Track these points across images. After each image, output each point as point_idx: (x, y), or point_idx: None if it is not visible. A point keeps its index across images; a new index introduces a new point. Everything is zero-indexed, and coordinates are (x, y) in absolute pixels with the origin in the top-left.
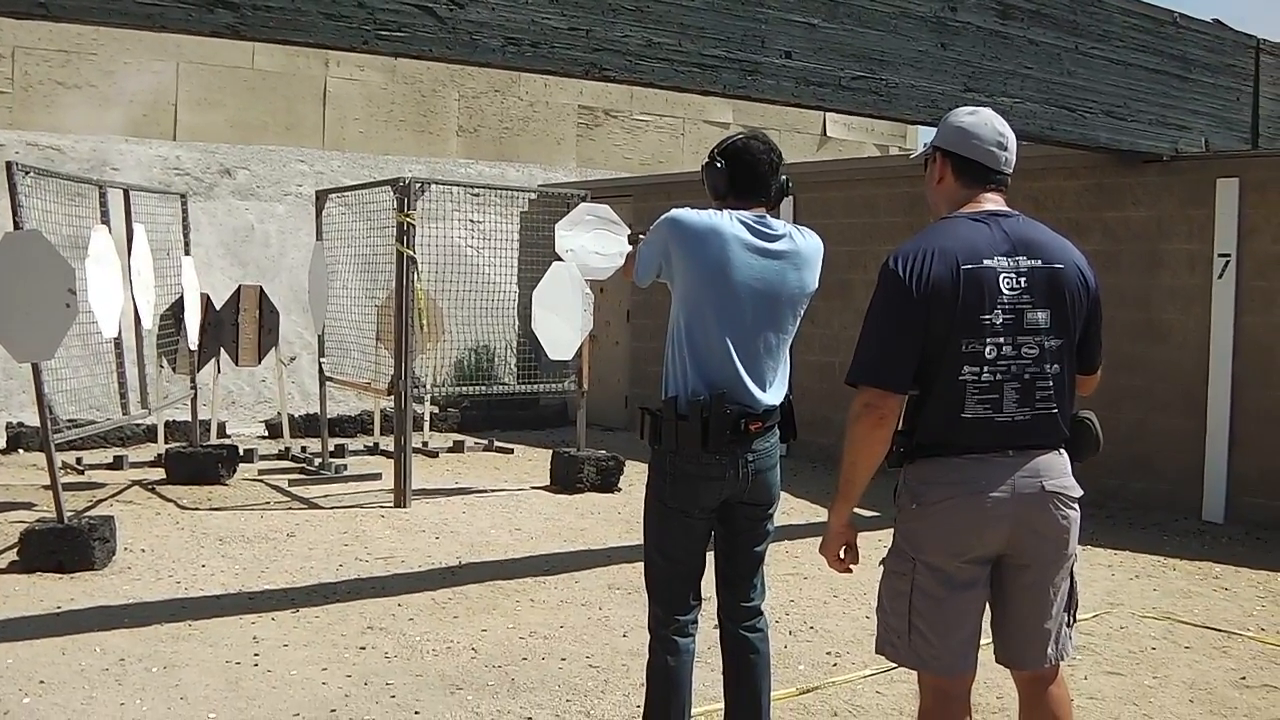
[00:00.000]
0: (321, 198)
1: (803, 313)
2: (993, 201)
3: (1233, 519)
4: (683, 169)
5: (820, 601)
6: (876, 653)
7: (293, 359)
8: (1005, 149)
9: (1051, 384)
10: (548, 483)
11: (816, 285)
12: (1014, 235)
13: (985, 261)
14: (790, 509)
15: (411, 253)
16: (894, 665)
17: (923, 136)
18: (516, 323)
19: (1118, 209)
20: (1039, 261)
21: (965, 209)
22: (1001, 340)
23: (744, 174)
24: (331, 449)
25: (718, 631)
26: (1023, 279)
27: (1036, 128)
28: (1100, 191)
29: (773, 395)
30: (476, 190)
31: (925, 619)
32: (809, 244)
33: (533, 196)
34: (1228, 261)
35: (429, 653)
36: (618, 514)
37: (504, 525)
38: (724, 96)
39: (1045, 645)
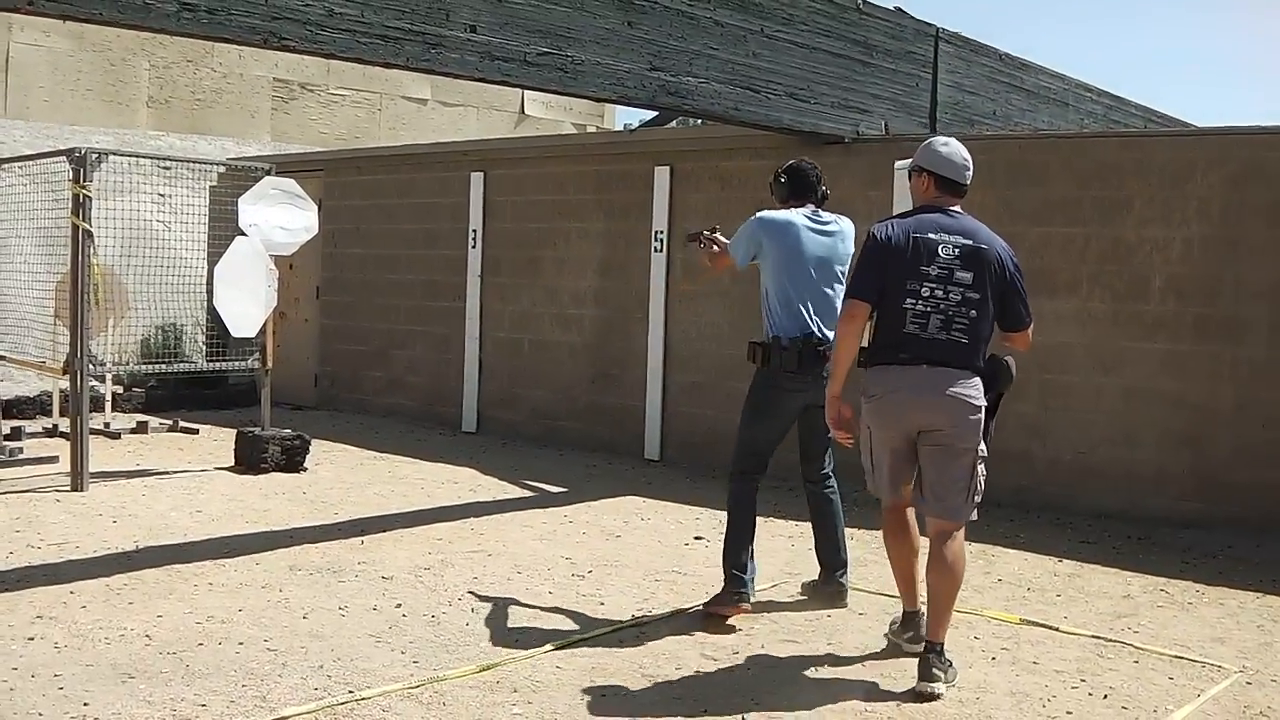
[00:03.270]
0: None
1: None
2: (954, 205)
3: None
4: (379, 143)
5: (504, 579)
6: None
7: None
8: (969, 170)
9: (966, 322)
10: (232, 463)
11: (853, 250)
12: (958, 224)
13: (929, 234)
14: (479, 485)
15: (87, 225)
16: (576, 639)
17: (620, 116)
18: (205, 299)
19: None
20: (970, 242)
21: (935, 205)
22: (935, 285)
23: (799, 183)
24: (7, 432)
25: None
26: (956, 250)
27: (722, 108)
28: None
29: (832, 331)
30: (167, 163)
31: (878, 464)
32: (847, 226)
33: (221, 170)
34: None
35: (101, 641)
36: (303, 494)
37: (185, 507)
38: (407, 69)
39: (939, 500)
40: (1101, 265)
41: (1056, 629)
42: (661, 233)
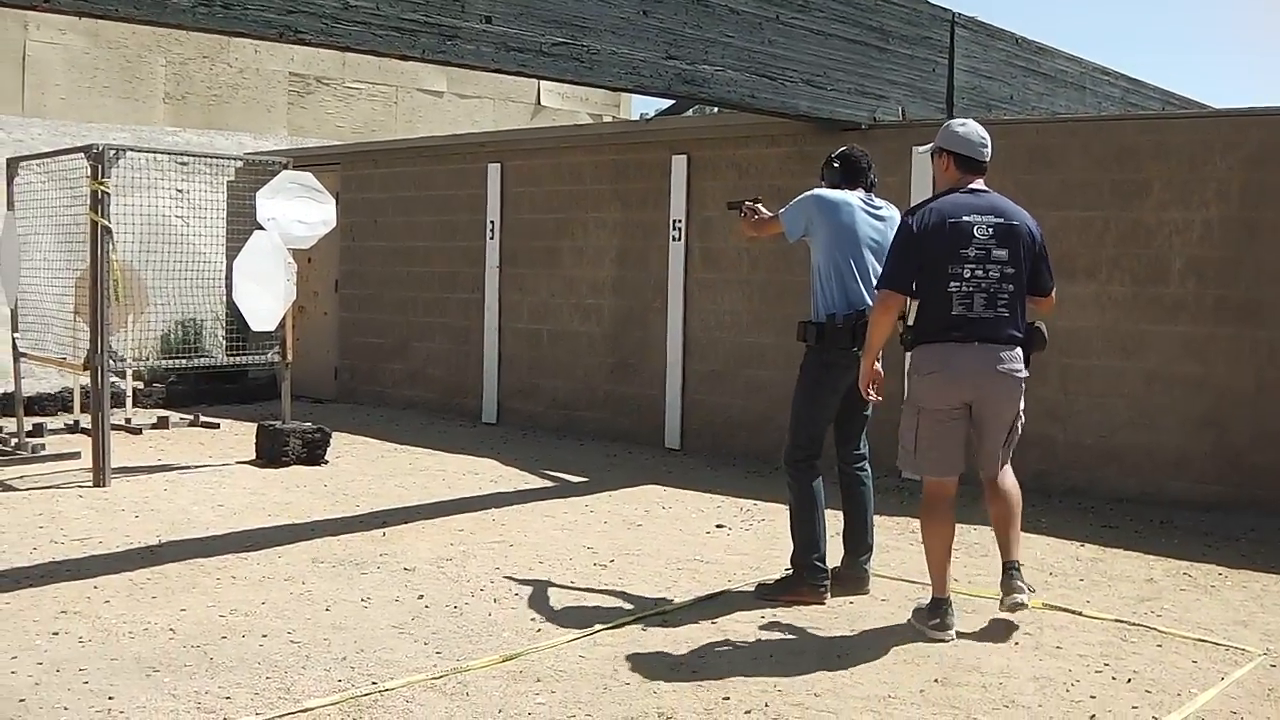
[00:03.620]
0: (12, 165)
1: None
2: (977, 182)
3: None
4: (395, 136)
5: (526, 569)
6: (897, 463)
7: None
8: (986, 148)
9: (1007, 297)
10: (253, 457)
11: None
12: (986, 203)
13: (964, 218)
14: (499, 476)
15: (106, 222)
16: (599, 629)
17: (637, 106)
18: (225, 294)
19: (819, 176)
20: (1002, 220)
21: (960, 186)
22: (974, 266)
23: (851, 169)
24: (30, 428)
25: (837, 473)
26: (990, 229)
27: (738, 95)
28: (802, 159)
29: None
30: (184, 159)
31: (928, 442)
32: (896, 214)
33: (238, 165)
34: None
35: (125, 635)
36: (324, 487)
37: (207, 502)
38: (423, 61)
39: (995, 460)
40: (1121, 248)
41: (1079, 613)
42: (679, 221)
